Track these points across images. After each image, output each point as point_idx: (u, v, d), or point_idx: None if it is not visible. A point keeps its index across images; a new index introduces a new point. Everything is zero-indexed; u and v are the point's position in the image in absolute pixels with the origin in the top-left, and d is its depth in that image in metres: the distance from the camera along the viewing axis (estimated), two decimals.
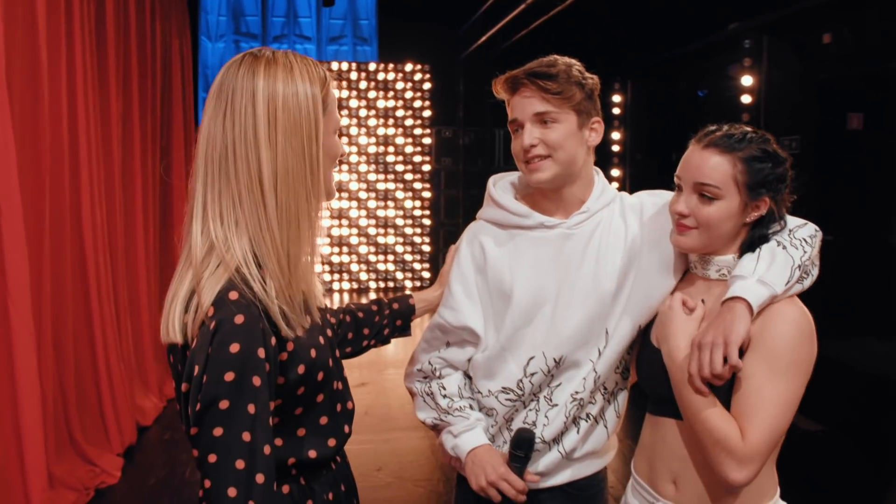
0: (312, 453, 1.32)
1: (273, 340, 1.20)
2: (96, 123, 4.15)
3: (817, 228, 1.54)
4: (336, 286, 9.49)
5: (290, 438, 1.29)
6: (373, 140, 9.37)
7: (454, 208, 9.94)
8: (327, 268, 9.36)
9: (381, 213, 9.47)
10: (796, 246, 1.48)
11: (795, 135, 4.96)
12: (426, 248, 9.61)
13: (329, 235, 9.26)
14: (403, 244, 9.58)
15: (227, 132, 1.22)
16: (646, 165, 7.14)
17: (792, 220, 1.55)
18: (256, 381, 1.15)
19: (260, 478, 1.15)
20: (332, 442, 1.35)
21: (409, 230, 9.57)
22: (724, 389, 1.45)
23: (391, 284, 9.59)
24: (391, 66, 9.40)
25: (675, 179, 1.55)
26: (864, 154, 4.88)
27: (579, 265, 1.67)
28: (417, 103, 9.43)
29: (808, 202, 5.10)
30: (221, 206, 1.23)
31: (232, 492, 1.13)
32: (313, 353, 1.28)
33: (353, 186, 9.30)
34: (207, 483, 1.14)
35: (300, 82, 1.25)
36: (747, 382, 1.42)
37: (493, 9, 7.83)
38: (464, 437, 1.72)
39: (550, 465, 1.71)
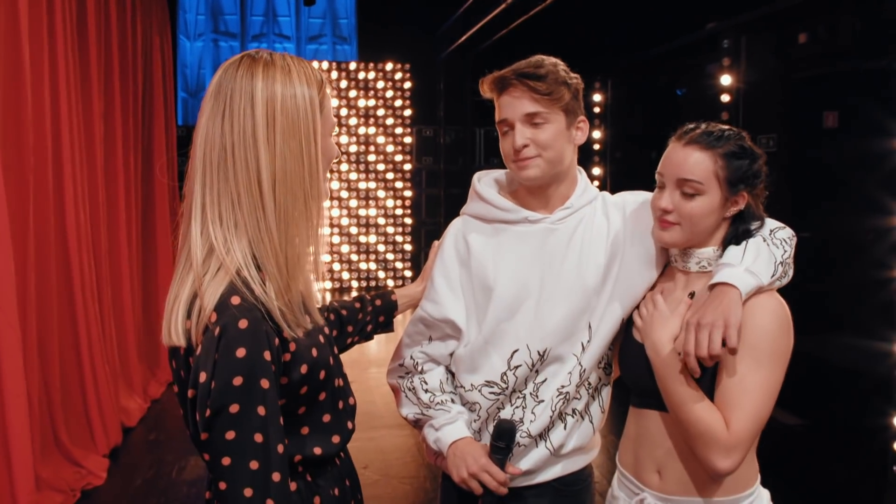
0: (317, 450, 1.33)
1: (276, 342, 1.21)
2: (79, 122, 4.12)
3: (794, 233, 1.60)
4: (318, 285, 9.45)
5: (295, 437, 1.30)
6: (353, 140, 9.37)
7: (435, 207, 9.96)
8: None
9: (362, 212, 9.47)
10: (777, 245, 1.53)
11: (772, 133, 5.03)
12: (408, 247, 9.62)
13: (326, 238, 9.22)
14: (385, 243, 9.59)
15: (225, 134, 1.22)
16: (626, 163, 7.19)
17: (771, 222, 1.60)
18: (265, 383, 1.17)
19: (276, 476, 1.17)
20: (335, 439, 1.37)
21: (390, 229, 9.58)
22: (707, 381, 1.49)
23: (373, 283, 9.59)
24: (371, 65, 9.39)
25: (657, 176, 1.59)
26: (839, 152, 4.95)
27: (562, 259, 1.70)
28: (398, 102, 9.43)
29: (784, 199, 5.16)
30: (220, 208, 1.23)
31: (248, 492, 1.14)
32: (314, 352, 1.30)
33: (335, 185, 9.29)
34: (223, 485, 1.15)
35: (298, 84, 1.25)
36: (730, 373, 1.46)
37: (474, 7, 7.86)
38: (445, 429, 1.73)
39: (539, 462, 1.73)
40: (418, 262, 9.55)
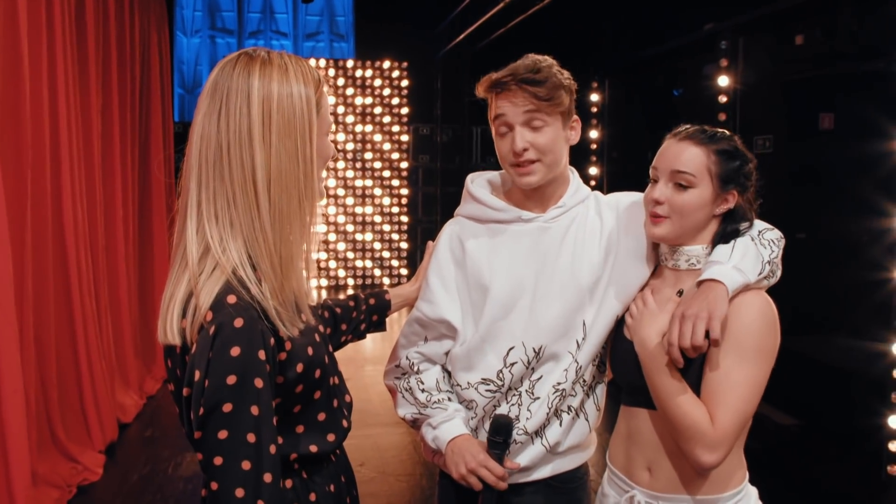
0: (313, 448, 1.33)
1: (272, 341, 1.21)
2: (77, 118, 4.12)
3: (782, 235, 1.62)
4: (314, 283, 9.46)
5: (290, 436, 1.30)
6: (350, 138, 9.37)
7: (432, 205, 9.97)
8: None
9: (358, 210, 9.47)
10: (765, 245, 1.56)
11: (769, 134, 5.05)
12: (404, 245, 9.62)
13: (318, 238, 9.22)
14: (381, 241, 9.59)
15: (221, 132, 1.22)
16: (622, 164, 7.21)
17: (760, 223, 1.63)
18: (258, 382, 1.16)
19: (268, 477, 1.16)
20: (331, 437, 1.37)
21: (386, 227, 9.58)
22: (694, 377, 1.51)
23: (369, 282, 9.59)
24: (368, 63, 9.38)
25: (651, 171, 1.62)
26: (835, 153, 4.98)
27: (556, 257, 1.71)
28: (395, 101, 9.43)
29: (780, 200, 5.19)
30: (216, 206, 1.23)
31: (240, 492, 1.14)
32: (310, 350, 1.29)
33: (331, 183, 9.28)
34: (215, 485, 1.15)
35: (295, 83, 1.25)
36: (715, 369, 1.49)
37: (472, 6, 7.86)
38: (443, 427, 1.74)
39: (535, 459, 1.74)
40: (414, 260, 9.56)
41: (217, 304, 1.17)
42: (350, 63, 9.39)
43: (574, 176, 1.81)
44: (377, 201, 9.50)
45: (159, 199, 5.83)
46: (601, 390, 1.81)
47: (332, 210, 9.36)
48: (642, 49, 6.52)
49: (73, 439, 3.87)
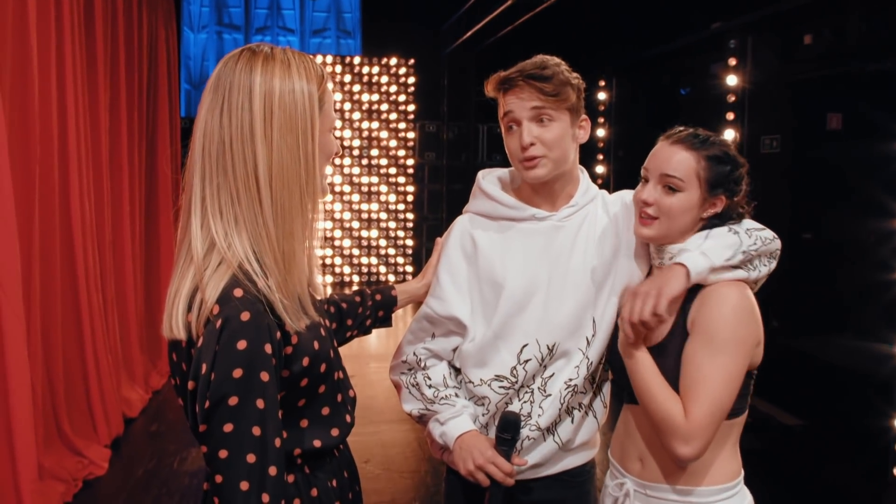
0: (317, 443, 1.34)
1: (278, 335, 1.21)
2: (85, 114, 4.13)
3: (775, 236, 1.62)
4: (319, 279, 9.47)
5: (294, 430, 1.31)
6: (356, 134, 9.36)
7: (437, 203, 9.97)
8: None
9: (364, 206, 9.48)
10: (748, 236, 1.56)
11: (776, 134, 5.04)
12: (409, 242, 9.63)
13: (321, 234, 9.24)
14: (386, 238, 9.59)
15: (223, 127, 1.22)
16: (629, 162, 7.20)
17: (750, 222, 1.64)
18: (265, 376, 1.17)
19: (273, 470, 1.17)
20: (335, 432, 1.38)
21: (392, 224, 9.58)
22: (674, 375, 1.54)
23: (374, 279, 9.60)
24: (375, 60, 9.38)
25: (643, 172, 1.66)
26: (842, 154, 4.97)
27: (569, 256, 1.73)
28: (401, 98, 9.42)
29: (787, 201, 5.17)
30: (220, 202, 1.23)
31: (244, 485, 1.14)
32: (316, 345, 1.30)
33: (337, 180, 9.29)
34: (219, 478, 1.16)
35: (297, 79, 1.25)
36: (688, 363, 1.52)
37: (478, 4, 7.85)
38: (451, 423, 1.75)
39: (547, 456, 1.76)
40: (420, 257, 9.56)
41: (224, 297, 1.18)
42: (357, 60, 9.38)
43: (584, 175, 1.83)
44: (383, 198, 9.50)
45: (166, 195, 5.84)
46: (607, 388, 1.84)
47: (337, 206, 9.37)
48: (650, 48, 6.51)
49: (79, 434, 3.88)
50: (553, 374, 1.73)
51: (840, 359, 4.57)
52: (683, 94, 7.00)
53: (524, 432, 1.71)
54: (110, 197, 4.63)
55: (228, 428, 1.15)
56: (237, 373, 1.15)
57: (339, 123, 9.22)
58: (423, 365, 1.82)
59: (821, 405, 4.37)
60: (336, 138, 1.39)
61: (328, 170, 1.39)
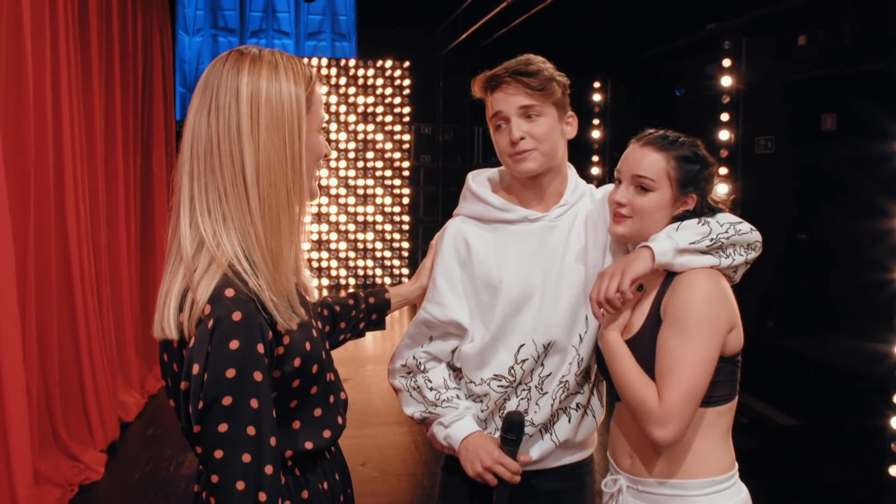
0: (308, 445, 1.34)
1: (270, 335, 1.21)
2: (80, 117, 4.12)
3: (753, 228, 1.64)
4: (315, 282, 9.48)
5: (286, 431, 1.31)
6: (351, 137, 9.36)
7: (433, 205, 9.97)
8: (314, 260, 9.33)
9: (360, 209, 9.47)
10: (720, 225, 1.58)
11: (771, 135, 5.05)
12: (405, 245, 9.63)
13: (308, 234, 9.24)
14: (382, 240, 9.59)
15: (210, 127, 1.23)
16: None
17: (728, 215, 1.65)
18: (258, 376, 1.17)
19: (269, 469, 1.17)
20: (326, 433, 1.38)
21: (388, 226, 9.58)
22: (650, 364, 1.56)
23: (370, 282, 9.60)
24: (370, 62, 9.38)
25: (616, 174, 1.71)
26: (837, 154, 4.97)
27: (563, 256, 1.76)
28: (396, 100, 9.42)
29: (782, 201, 5.17)
30: (208, 201, 1.24)
31: (240, 485, 1.14)
32: (307, 346, 1.30)
33: (333, 182, 9.29)
34: (215, 478, 1.15)
35: (284, 80, 1.26)
36: (661, 349, 1.55)
37: (474, 6, 7.86)
38: (455, 426, 1.77)
39: (545, 453, 1.79)
40: (415, 260, 9.56)
41: (215, 297, 1.18)
42: (352, 62, 9.38)
43: (572, 172, 1.85)
44: (378, 201, 9.50)
45: (161, 198, 5.83)
46: (604, 388, 1.86)
47: (333, 210, 9.36)
48: (644, 49, 6.52)
49: (75, 438, 3.87)
50: (550, 372, 1.76)
51: (836, 359, 4.57)
52: (678, 96, 7.01)
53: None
54: (105, 200, 4.62)
55: (223, 428, 1.15)
56: (230, 373, 1.15)
57: (334, 126, 9.21)
58: (422, 368, 1.83)
59: (817, 405, 4.38)
60: (327, 140, 1.39)
61: (323, 172, 1.40)
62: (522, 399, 1.76)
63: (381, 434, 4.56)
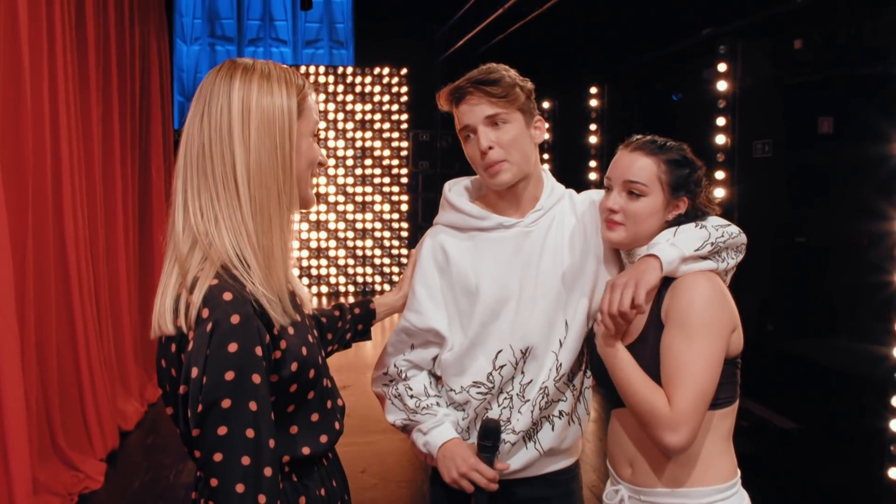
0: (306, 450, 1.35)
1: (267, 338, 1.23)
2: (77, 125, 4.13)
3: (741, 231, 1.65)
4: (314, 289, 9.47)
5: (283, 436, 1.32)
6: (348, 144, 9.36)
7: (432, 212, 9.95)
8: (305, 274, 9.33)
9: (358, 216, 9.47)
10: (715, 229, 1.60)
11: (768, 138, 5.06)
12: (404, 252, 9.62)
13: (304, 240, 9.23)
14: (381, 248, 9.59)
15: (203, 131, 1.27)
16: None
17: (716, 219, 1.67)
18: (256, 378, 1.18)
19: (268, 471, 1.18)
20: (323, 438, 1.38)
21: (386, 234, 9.58)
22: (653, 368, 1.55)
23: (369, 290, 9.59)
24: (367, 69, 9.39)
25: (606, 181, 1.70)
26: (834, 157, 4.98)
27: (539, 260, 1.76)
28: (394, 107, 9.44)
29: (780, 204, 5.17)
30: (201, 202, 1.27)
31: (240, 488, 1.15)
32: (304, 350, 1.32)
33: (331, 190, 9.29)
34: (214, 482, 1.16)
35: (276, 88, 1.29)
36: (666, 353, 1.53)
37: (471, 12, 7.88)
38: (433, 433, 1.77)
39: (529, 462, 1.78)
40: None
41: (212, 299, 1.19)
42: (349, 70, 9.40)
43: (548, 176, 1.86)
44: (377, 208, 9.51)
45: (159, 206, 5.83)
46: (590, 395, 1.87)
47: (331, 217, 9.36)
48: (641, 54, 6.53)
49: (75, 447, 3.86)
50: (531, 380, 1.75)
51: (835, 361, 4.57)
52: (675, 100, 7.02)
53: (504, 437, 1.73)
54: (104, 209, 4.62)
55: (222, 431, 1.15)
56: (229, 375, 1.16)
57: (332, 134, 9.22)
58: (403, 376, 1.84)
59: (816, 408, 4.38)
60: (325, 149, 1.40)
61: (321, 180, 1.41)
62: (504, 408, 1.76)
63: (380, 441, 4.55)
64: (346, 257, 9.51)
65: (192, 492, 1.35)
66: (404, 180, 9.57)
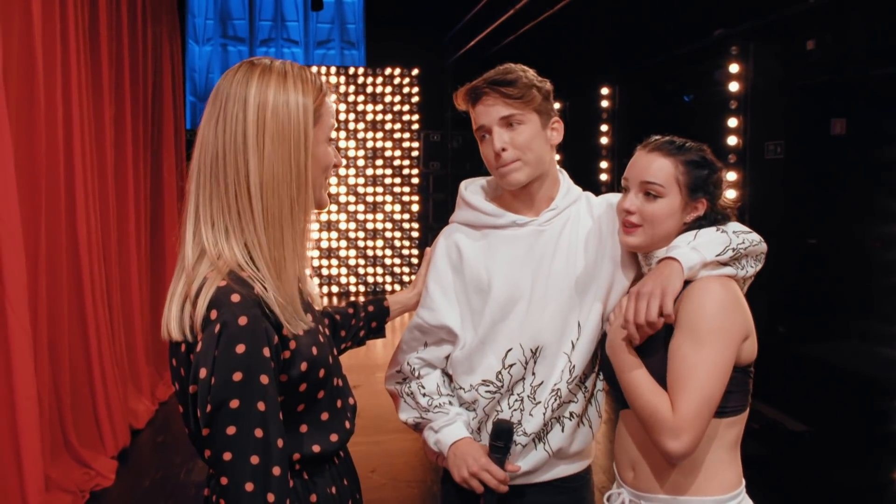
0: (316, 448, 1.35)
1: (276, 339, 1.23)
2: (90, 127, 4.15)
3: (762, 239, 1.63)
4: (325, 290, 9.49)
5: (293, 435, 1.32)
6: (360, 145, 9.38)
7: (443, 213, 9.98)
8: (317, 274, 9.35)
9: (369, 216, 9.49)
10: (735, 235, 1.57)
11: (780, 140, 5.04)
12: (415, 252, 9.63)
13: (315, 240, 9.25)
14: (392, 249, 9.60)
15: (218, 137, 1.25)
16: None
17: (737, 224, 1.64)
18: (264, 379, 1.19)
19: (277, 470, 1.19)
20: (334, 437, 1.39)
21: (397, 234, 9.59)
22: (661, 372, 1.53)
23: (380, 290, 9.60)
24: (379, 70, 9.41)
25: (623, 182, 1.67)
26: (846, 159, 4.96)
27: (551, 260, 1.75)
28: (405, 107, 9.45)
29: (791, 206, 5.16)
30: (212, 210, 1.26)
31: (249, 486, 1.16)
32: (314, 350, 1.32)
33: (342, 191, 9.31)
34: (224, 480, 1.17)
35: (293, 91, 1.27)
36: (674, 357, 1.50)
37: (482, 13, 7.88)
38: (445, 431, 1.77)
39: (538, 464, 1.77)
40: None
41: (220, 302, 1.20)
42: (361, 70, 9.41)
43: (564, 177, 1.85)
44: (388, 208, 9.52)
45: (171, 207, 5.86)
46: (602, 398, 1.84)
47: (342, 218, 9.39)
48: (653, 55, 6.52)
49: (86, 445, 3.89)
50: (542, 381, 1.74)
51: (847, 364, 4.55)
52: (687, 101, 7.00)
53: (515, 438, 1.72)
54: (116, 210, 4.65)
55: (231, 430, 1.17)
56: (237, 376, 1.17)
57: (343, 135, 9.24)
58: (417, 374, 1.84)
59: (828, 411, 4.35)
60: (337, 149, 1.40)
61: (332, 181, 1.41)
62: (515, 410, 1.75)
63: (390, 441, 4.55)
64: (356, 258, 9.53)
65: (205, 489, 1.36)
66: (415, 181, 9.57)
